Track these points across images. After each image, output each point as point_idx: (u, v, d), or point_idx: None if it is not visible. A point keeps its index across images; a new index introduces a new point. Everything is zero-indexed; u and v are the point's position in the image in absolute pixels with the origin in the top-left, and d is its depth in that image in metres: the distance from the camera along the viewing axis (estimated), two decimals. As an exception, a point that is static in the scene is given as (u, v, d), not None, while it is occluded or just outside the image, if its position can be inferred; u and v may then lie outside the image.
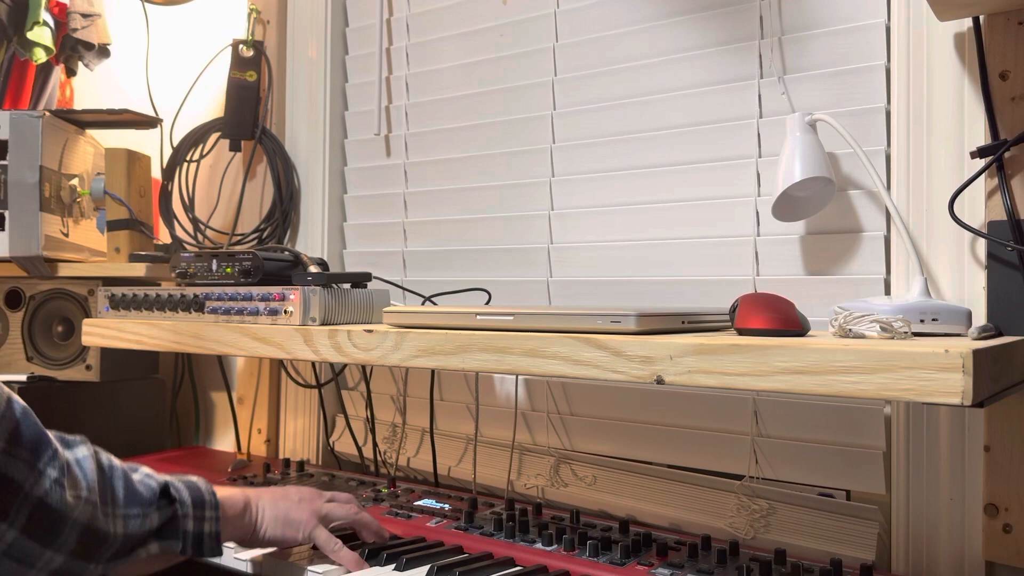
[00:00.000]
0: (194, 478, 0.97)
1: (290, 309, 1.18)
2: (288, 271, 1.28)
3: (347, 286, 1.25)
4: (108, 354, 1.63)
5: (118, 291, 1.38)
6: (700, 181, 1.30)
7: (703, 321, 1.00)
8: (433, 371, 1.54)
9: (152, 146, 1.85)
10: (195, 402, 1.93)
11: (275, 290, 1.20)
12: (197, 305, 1.28)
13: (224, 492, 0.99)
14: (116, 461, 0.91)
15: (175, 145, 1.85)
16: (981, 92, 1.04)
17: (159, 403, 1.84)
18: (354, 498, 1.14)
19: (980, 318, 1.02)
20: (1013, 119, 1.01)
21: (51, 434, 0.86)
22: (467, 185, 1.57)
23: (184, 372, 1.94)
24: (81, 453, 0.88)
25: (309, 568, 1.01)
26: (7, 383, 1.52)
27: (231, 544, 1.02)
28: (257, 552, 1.06)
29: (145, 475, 0.93)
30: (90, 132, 1.76)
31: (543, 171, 1.48)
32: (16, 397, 0.83)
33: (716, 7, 1.30)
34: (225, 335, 1.21)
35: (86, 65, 2.08)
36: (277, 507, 1.03)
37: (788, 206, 1.15)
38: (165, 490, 0.93)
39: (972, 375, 0.66)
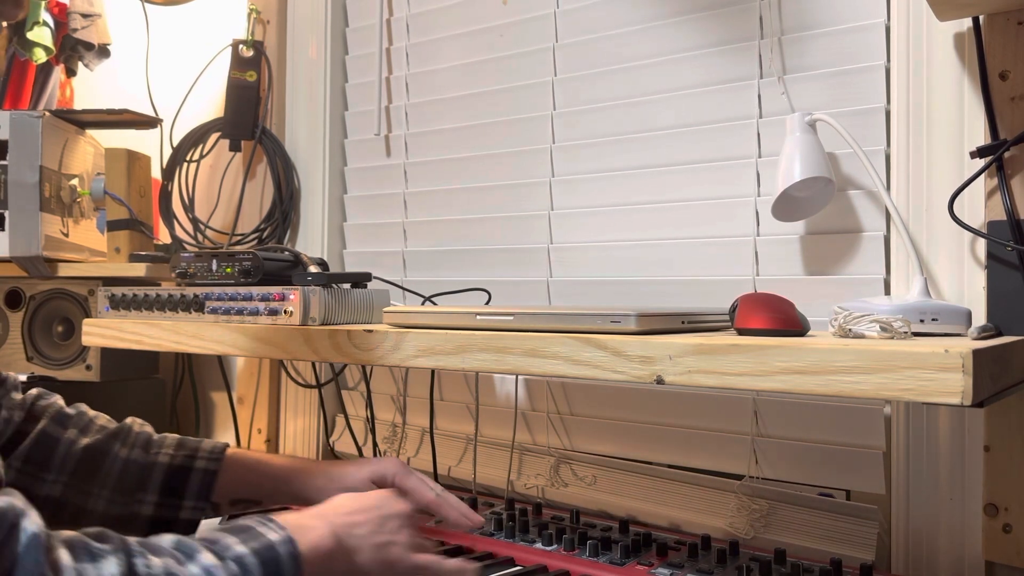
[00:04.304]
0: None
1: (290, 309, 1.18)
2: (288, 271, 1.28)
3: (347, 286, 1.25)
4: (108, 354, 1.62)
5: (118, 291, 1.38)
6: (700, 181, 1.30)
7: (703, 321, 1.00)
8: (433, 371, 1.54)
9: (152, 146, 1.85)
10: (195, 402, 1.93)
11: (275, 290, 1.20)
12: (197, 305, 1.28)
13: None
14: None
15: (175, 145, 1.84)
16: (981, 92, 1.03)
17: (159, 403, 1.84)
18: (416, 473, 1.01)
19: (980, 318, 1.01)
20: (1013, 119, 1.01)
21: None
22: (467, 185, 1.57)
23: (184, 372, 1.93)
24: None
25: None
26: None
27: None
28: None
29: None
30: (90, 132, 1.76)
31: (543, 171, 1.48)
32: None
33: (716, 7, 1.30)
34: (225, 335, 1.21)
35: (86, 65, 2.08)
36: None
37: (788, 206, 1.15)
38: None
39: (972, 375, 0.66)
